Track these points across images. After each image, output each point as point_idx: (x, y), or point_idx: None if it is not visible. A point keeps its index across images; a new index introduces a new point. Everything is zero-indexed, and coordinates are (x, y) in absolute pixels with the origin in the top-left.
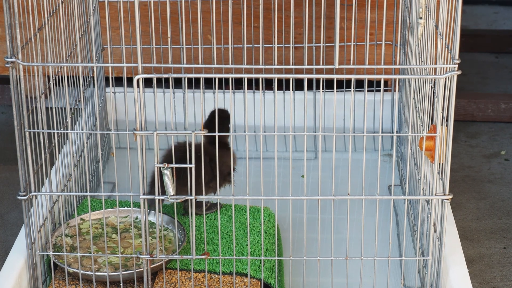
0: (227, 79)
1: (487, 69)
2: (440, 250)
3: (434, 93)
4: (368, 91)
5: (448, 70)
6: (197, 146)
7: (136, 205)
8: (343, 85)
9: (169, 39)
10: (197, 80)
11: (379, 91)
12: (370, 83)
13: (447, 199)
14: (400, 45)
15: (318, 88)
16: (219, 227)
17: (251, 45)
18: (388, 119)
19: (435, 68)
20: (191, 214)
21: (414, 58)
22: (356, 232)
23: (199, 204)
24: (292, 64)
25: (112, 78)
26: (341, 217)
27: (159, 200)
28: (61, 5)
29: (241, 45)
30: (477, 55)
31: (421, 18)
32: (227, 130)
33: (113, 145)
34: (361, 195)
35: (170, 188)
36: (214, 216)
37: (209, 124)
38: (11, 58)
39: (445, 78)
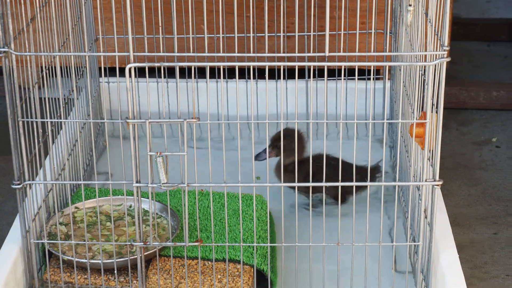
0: (220, 68)
1: (479, 58)
2: (430, 235)
3: (424, 80)
4: (360, 79)
5: (437, 57)
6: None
7: (130, 193)
8: (339, 74)
9: (160, 28)
10: (191, 69)
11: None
12: (363, 71)
13: (437, 185)
14: (390, 33)
15: (313, 76)
16: (212, 214)
17: (243, 35)
18: (382, 107)
19: (425, 55)
20: (184, 204)
21: (404, 46)
22: (348, 219)
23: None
24: (284, 53)
25: (106, 68)
26: (333, 205)
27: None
28: None
29: (233, 35)
30: (469, 44)
31: (410, 5)
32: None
33: (105, 134)
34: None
35: (163, 176)
36: (207, 203)
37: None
38: (3, 48)
39: (435, 65)
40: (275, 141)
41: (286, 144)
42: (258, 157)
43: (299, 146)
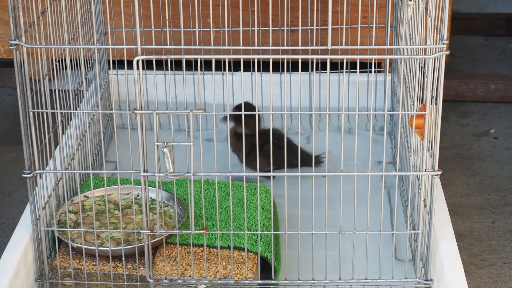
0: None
1: (478, 51)
2: (430, 224)
3: (424, 72)
4: (362, 72)
5: (437, 50)
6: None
7: (137, 182)
8: (341, 67)
9: (167, 22)
10: (197, 61)
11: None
12: (365, 64)
13: (436, 175)
14: (391, 27)
15: (316, 69)
16: (217, 203)
17: (248, 28)
18: (383, 99)
19: (425, 49)
20: (190, 192)
21: (404, 39)
22: (350, 208)
23: None
24: (288, 46)
25: (115, 60)
26: (335, 193)
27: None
28: None
29: (238, 28)
30: (468, 38)
31: (410, 0)
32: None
33: (114, 124)
34: (354, 172)
35: (169, 165)
36: (213, 192)
37: (238, 117)
38: (15, 40)
39: (434, 58)
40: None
41: (239, 116)
42: (221, 120)
43: (252, 121)
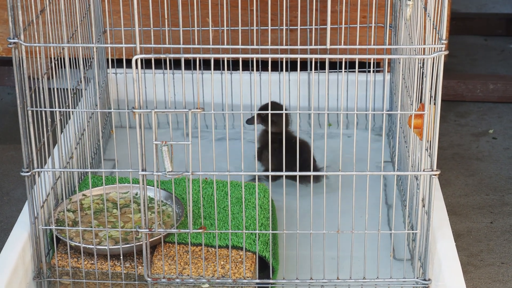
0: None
1: (477, 51)
2: (428, 224)
3: (422, 72)
4: (361, 71)
5: (436, 50)
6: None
7: (136, 181)
8: (340, 66)
9: (166, 21)
10: (196, 60)
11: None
12: (363, 64)
13: (435, 175)
14: (390, 27)
15: (315, 69)
16: (216, 202)
17: (247, 28)
18: (381, 99)
19: (424, 48)
20: (189, 192)
21: (403, 39)
22: (348, 207)
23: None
24: (287, 45)
25: (114, 59)
26: (334, 193)
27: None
28: None
29: (237, 28)
30: (467, 38)
31: (409, 0)
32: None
33: (113, 123)
34: (352, 171)
35: (168, 164)
36: (211, 192)
37: (265, 117)
38: (13, 39)
39: (433, 58)
40: (261, 111)
41: (266, 116)
42: (248, 121)
43: (280, 119)
